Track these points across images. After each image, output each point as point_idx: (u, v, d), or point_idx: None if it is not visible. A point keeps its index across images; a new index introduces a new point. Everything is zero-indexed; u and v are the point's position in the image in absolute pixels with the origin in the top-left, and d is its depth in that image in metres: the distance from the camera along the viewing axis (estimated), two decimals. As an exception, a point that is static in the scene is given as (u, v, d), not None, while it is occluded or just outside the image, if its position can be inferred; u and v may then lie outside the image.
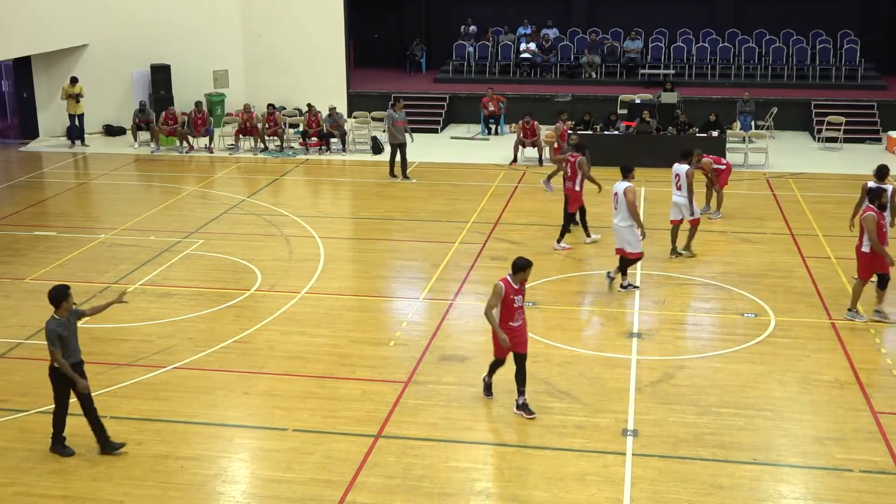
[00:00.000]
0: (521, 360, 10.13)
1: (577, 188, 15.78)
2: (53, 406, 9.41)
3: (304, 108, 24.98)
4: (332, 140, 24.03)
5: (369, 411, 10.30)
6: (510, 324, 9.92)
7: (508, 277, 9.89)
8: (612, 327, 12.69)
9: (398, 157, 21.04)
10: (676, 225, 15.43)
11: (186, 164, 23.29)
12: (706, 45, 29.43)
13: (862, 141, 24.65)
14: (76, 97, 24.76)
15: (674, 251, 15.38)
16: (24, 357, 11.80)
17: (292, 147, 24.43)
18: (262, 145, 24.28)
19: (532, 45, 29.74)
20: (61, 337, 9.06)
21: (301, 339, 12.28)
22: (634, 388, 10.79)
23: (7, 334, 12.51)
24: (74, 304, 9.33)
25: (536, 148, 22.40)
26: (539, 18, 30.86)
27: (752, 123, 24.24)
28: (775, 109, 25.33)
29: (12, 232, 17.26)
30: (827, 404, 10.47)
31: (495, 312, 9.93)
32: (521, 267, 9.84)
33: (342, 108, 24.93)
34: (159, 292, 14.00)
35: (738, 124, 23.80)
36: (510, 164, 22.55)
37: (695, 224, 15.38)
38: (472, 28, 30.93)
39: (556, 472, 9.09)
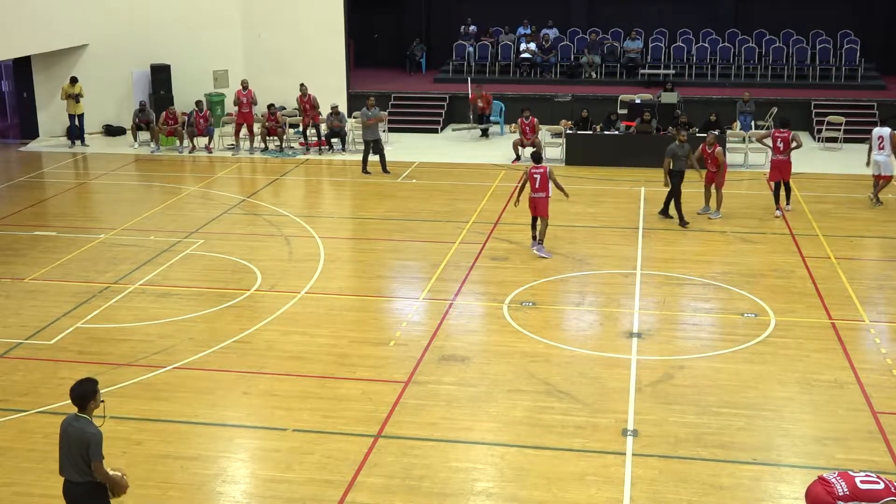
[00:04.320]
0: None
1: (790, 161, 17.91)
2: None
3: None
4: (333, 140, 24.03)
5: (369, 411, 10.30)
6: None
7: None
8: (612, 327, 12.69)
9: (375, 155, 21.50)
10: (877, 179, 18.39)
11: (186, 164, 23.29)
12: (706, 45, 29.40)
13: (862, 141, 24.53)
14: (76, 97, 24.73)
15: (875, 200, 18.33)
16: (24, 357, 11.80)
17: (292, 147, 24.43)
18: (262, 145, 24.29)
19: (532, 45, 29.71)
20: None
21: (301, 339, 12.27)
22: (634, 388, 10.78)
23: (7, 334, 12.50)
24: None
25: (536, 148, 22.29)
26: (539, 18, 30.83)
27: (752, 123, 24.22)
28: (775, 109, 25.29)
29: (12, 232, 17.25)
30: (827, 404, 10.46)
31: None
32: None
33: (342, 108, 24.89)
34: (159, 292, 13.99)
35: (738, 124, 23.77)
36: (512, 161, 22.55)
37: (887, 179, 18.32)
38: (472, 28, 30.90)
39: (556, 472, 9.09)
